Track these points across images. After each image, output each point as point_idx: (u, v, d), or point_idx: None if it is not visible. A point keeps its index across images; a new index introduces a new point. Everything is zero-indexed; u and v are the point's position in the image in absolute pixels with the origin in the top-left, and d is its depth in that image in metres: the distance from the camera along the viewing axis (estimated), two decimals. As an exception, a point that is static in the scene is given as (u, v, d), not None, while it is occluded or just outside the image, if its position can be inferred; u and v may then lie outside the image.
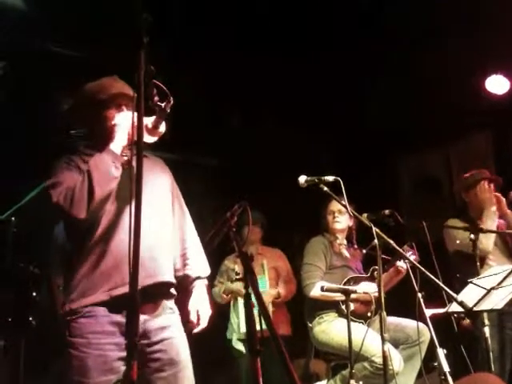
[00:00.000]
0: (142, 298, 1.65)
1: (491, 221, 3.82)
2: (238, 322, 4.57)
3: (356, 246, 4.14)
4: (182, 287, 2.46)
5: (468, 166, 4.34)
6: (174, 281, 2.39)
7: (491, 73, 4.71)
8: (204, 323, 2.44)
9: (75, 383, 2.15)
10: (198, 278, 2.52)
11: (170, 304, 2.36)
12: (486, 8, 4.02)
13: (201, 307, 2.45)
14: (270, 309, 4.54)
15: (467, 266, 3.64)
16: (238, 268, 4.65)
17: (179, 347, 2.30)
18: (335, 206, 3.97)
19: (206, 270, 2.57)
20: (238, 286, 4.54)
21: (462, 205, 4.23)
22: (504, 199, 3.93)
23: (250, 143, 5.25)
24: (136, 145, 1.73)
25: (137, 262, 1.62)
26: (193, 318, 2.42)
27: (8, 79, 4.16)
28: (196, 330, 2.43)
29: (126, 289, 2.10)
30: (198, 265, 2.54)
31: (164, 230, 2.40)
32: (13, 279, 3.47)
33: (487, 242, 3.76)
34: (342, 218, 4.02)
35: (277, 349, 1.86)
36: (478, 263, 3.51)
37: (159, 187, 2.44)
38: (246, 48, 4.40)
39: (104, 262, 2.21)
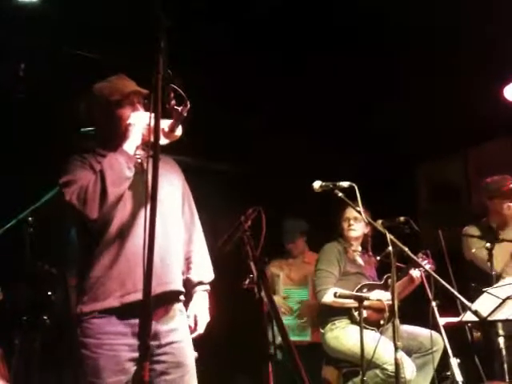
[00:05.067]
0: (152, 304, 1.65)
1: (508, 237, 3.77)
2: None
3: (371, 253, 4.12)
4: (185, 290, 2.45)
5: (486, 173, 4.28)
6: (183, 289, 2.38)
7: (510, 80, 4.67)
8: (201, 329, 2.44)
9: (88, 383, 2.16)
10: (201, 283, 2.52)
11: (179, 306, 2.37)
12: (505, 14, 3.99)
13: (199, 313, 2.45)
14: (309, 330, 4.56)
15: (482, 275, 3.61)
16: (283, 275, 4.66)
17: (186, 350, 2.31)
18: (351, 213, 3.96)
19: (209, 276, 2.56)
20: (280, 302, 4.54)
21: (481, 211, 4.18)
22: None
23: (267, 150, 5.26)
24: (153, 149, 1.73)
25: (150, 268, 1.62)
26: (190, 323, 2.42)
27: (27, 81, 4.22)
28: (192, 336, 2.41)
29: (137, 295, 2.13)
30: (202, 270, 2.53)
31: (176, 236, 2.39)
32: (29, 278, 3.51)
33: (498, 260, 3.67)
34: (357, 225, 3.99)
35: (289, 354, 1.86)
36: (494, 272, 3.48)
37: (171, 190, 2.41)
38: (269, 55, 4.43)
39: (117, 266, 2.21)
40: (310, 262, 4.62)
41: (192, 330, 2.42)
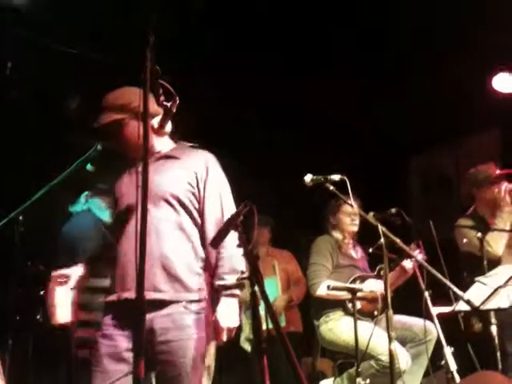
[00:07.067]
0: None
1: (503, 222, 3.73)
2: (249, 323, 4.60)
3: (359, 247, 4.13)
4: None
5: (477, 164, 4.27)
6: (168, 298, 2.22)
7: (498, 71, 4.70)
8: (223, 337, 2.29)
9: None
10: (223, 287, 2.33)
11: (184, 304, 2.25)
12: (492, 6, 4.01)
13: (219, 320, 2.29)
14: (283, 315, 4.61)
15: (475, 265, 3.61)
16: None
17: (184, 349, 2.21)
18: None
19: (232, 277, 2.31)
20: (247, 294, 4.54)
21: (469, 202, 4.14)
22: None
23: (260, 144, 5.26)
24: (143, 146, 1.74)
25: (143, 268, 1.65)
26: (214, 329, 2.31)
27: (18, 80, 4.20)
28: (215, 343, 2.41)
29: (131, 294, 2.15)
30: (222, 273, 2.34)
31: (171, 241, 2.28)
32: (20, 278, 3.49)
33: (497, 245, 3.63)
34: (357, 220, 3.98)
35: (283, 347, 1.86)
36: (485, 262, 3.48)
37: (170, 190, 2.30)
38: (267, 54, 4.45)
39: (118, 265, 2.30)
40: (274, 255, 4.84)
41: (215, 338, 2.32)
